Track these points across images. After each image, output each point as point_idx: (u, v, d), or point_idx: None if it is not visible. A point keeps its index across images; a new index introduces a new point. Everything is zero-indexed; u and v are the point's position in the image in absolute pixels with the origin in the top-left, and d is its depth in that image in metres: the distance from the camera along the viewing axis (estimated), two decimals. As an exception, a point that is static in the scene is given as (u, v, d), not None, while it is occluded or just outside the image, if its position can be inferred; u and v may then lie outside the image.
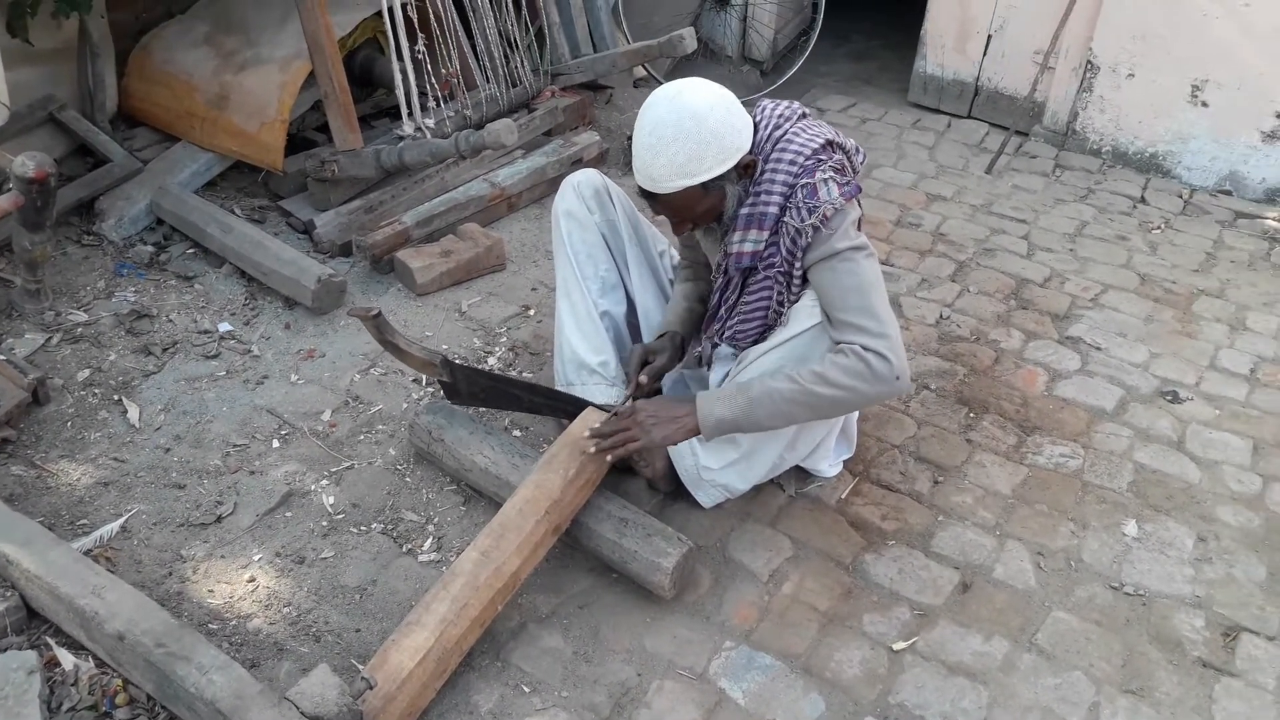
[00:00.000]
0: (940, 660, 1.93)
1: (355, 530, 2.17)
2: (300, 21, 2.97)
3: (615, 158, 3.81)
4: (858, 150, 2.02)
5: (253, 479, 2.28)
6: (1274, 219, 3.67)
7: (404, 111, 3.20)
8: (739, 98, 1.91)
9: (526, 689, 1.84)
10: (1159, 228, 3.61)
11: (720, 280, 2.11)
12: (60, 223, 2.97)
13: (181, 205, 3.05)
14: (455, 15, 3.36)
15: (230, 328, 2.77)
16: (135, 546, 2.09)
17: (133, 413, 2.44)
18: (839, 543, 2.18)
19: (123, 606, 1.73)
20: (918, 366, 2.75)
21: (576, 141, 3.60)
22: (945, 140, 4.24)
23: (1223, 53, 3.65)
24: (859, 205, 1.96)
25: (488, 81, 3.57)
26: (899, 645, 1.96)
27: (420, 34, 3.16)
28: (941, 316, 3.00)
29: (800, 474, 2.33)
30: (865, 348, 1.81)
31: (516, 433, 2.45)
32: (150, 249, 3.04)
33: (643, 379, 2.12)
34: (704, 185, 1.86)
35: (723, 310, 2.14)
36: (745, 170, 1.90)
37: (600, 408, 2.12)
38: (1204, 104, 3.77)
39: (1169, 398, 2.69)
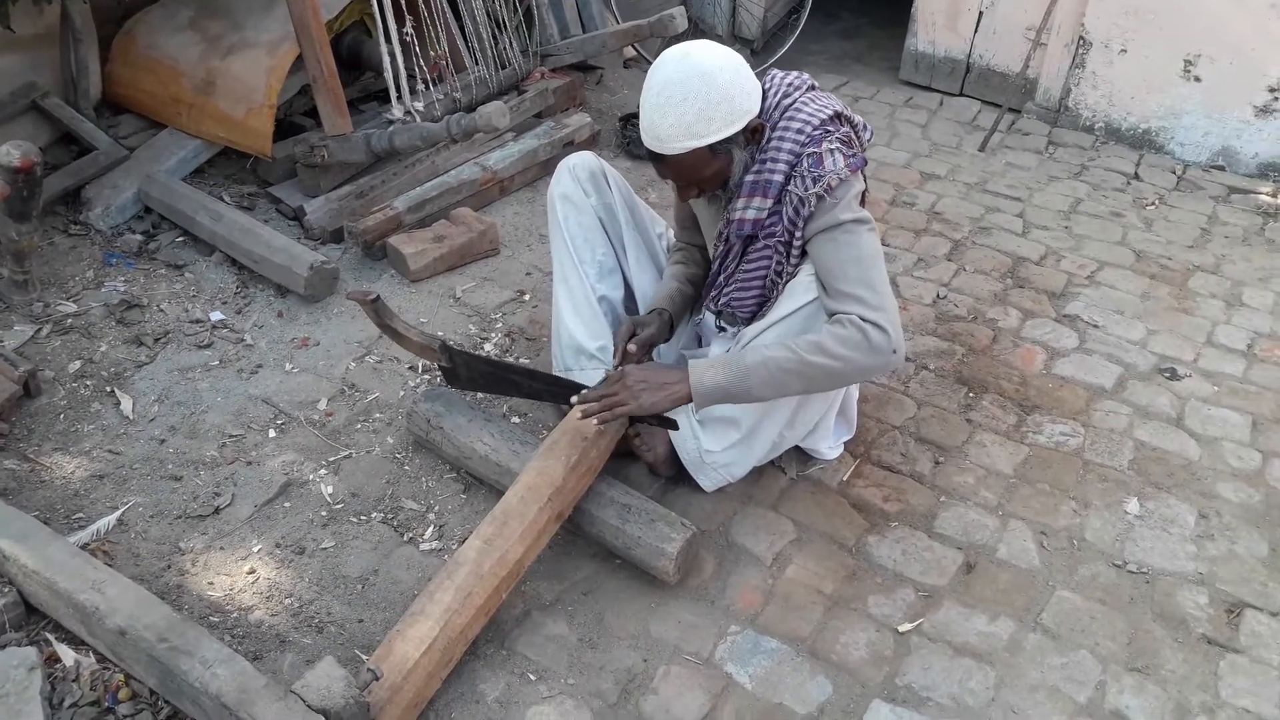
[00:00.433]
0: (946, 641, 1.93)
1: (355, 520, 2.15)
2: (287, 4, 2.92)
3: (607, 139, 3.77)
4: (865, 126, 2.00)
5: (250, 469, 2.26)
6: (1267, 194, 3.67)
7: (393, 95, 3.16)
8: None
9: (533, 676, 1.83)
10: (1153, 204, 3.60)
11: (721, 248, 2.09)
12: (46, 212, 2.93)
13: (170, 193, 3.01)
14: (443, -4, 3.33)
15: (222, 316, 2.73)
16: (133, 540, 2.07)
17: (126, 404, 2.41)
18: (842, 525, 2.18)
19: (123, 601, 1.71)
20: (916, 346, 2.74)
21: (568, 123, 3.56)
22: (938, 118, 4.22)
23: (1215, 27, 3.63)
24: (864, 179, 1.95)
25: (476, 64, 3.53)
26: (904, 627, 1.95)
27: (408, 16, 3.12)
28: (939, 296, 2.99)
29: (801, 456, 2.32)
30: (863, 318, 1.80)
31: (515, 419, 2.43)
32: (139, 238, 2.99)
33: (631, 348, 2.07)
34: (711, 148, 1.83)
35: (721, 278, 2.12)
36: (753, 135, 1.87)
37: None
38: (1196, 79, 3.76)
39: (1167, 374, 2.69)
